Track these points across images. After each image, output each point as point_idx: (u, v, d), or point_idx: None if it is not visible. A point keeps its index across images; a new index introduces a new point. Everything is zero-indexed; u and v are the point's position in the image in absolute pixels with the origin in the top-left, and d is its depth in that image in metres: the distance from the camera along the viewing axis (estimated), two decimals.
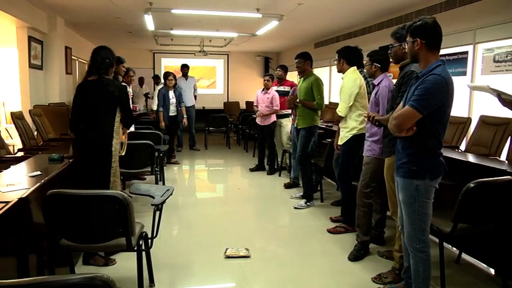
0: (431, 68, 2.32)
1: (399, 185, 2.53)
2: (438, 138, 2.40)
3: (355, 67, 4.07)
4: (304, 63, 5.04)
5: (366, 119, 3.83)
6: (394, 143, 2.73)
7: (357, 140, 3.92)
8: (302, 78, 5.15)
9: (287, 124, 6.46)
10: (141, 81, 11.61)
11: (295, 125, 5.19)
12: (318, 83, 4.94)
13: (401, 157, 2.49)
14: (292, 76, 8.14)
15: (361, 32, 8.17)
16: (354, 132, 3.95)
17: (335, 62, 4.24)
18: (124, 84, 3.32)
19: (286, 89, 6.47)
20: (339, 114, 4.02)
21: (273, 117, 6.65)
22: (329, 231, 4.16)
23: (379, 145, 3.35)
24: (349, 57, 4.05)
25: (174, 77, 7.32)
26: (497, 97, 2.53)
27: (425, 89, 2.27)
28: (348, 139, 3.99)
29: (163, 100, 7.22)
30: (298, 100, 5.06)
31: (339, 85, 4.15)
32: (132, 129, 5.32)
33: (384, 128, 3.09)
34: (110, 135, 3.16)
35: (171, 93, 7.35)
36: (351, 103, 3.92)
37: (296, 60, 5.10)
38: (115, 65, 5.01)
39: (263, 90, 6.71)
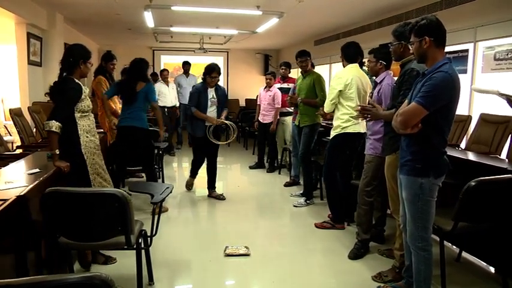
0: (438, 65, 2.30)
1: (403, 183, 2.52)
2: (443, 136, 2.39)
3: (352, 65, 4.04)
4: (307, 60, 5.07)
5: (352, 119, 3.88)
6: (395, 141, 2.72)
7: (341, 138, 3.98)
8: (302, 76, 5.15)
9: (290, 122, 6.43)
10: None
11: (297, 123, 5.19)
12: (320, 80, 5.01)
13: (406, 155, 2.47)
14: (293, 73, 8.10)
15: (361, 30, 8.15)
16: (338, 130, 3.99)
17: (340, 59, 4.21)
18: (77, 83, 3.02)
19: (290, 86, 6.37)
20: (324, 109, 4.15)
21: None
22: (316, 225, 4.24)
23: (381, 143, 3.34)
24: (347, 54, 4.06)
25: (219, 72, 5.14)
26: (507, 100, 2.53)
27: (432, 86, 2.25)
28: (332, 137, 4.07)
29: (198, 100, 5.05)
30: (299, 99, 5.04)
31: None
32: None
33: (384, 126, 3.09)
34: (72, 133, 2.98)
35: (211, 92, 5.14)
36: (334, 101, 3.96)
37: (301, 59, 5.08)
38: (102, 62, 4.98)
39: (265, 88, 6.71)
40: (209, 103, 5.08)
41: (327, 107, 4.07)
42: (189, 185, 5.54)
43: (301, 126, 5.07)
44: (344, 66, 4.10)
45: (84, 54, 3.07)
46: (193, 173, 5.49)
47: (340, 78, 3.96)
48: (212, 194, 5.33)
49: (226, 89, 5.27)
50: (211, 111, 5.10)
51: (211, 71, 5.05)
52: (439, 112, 2.30)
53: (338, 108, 4.00)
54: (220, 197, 5.27)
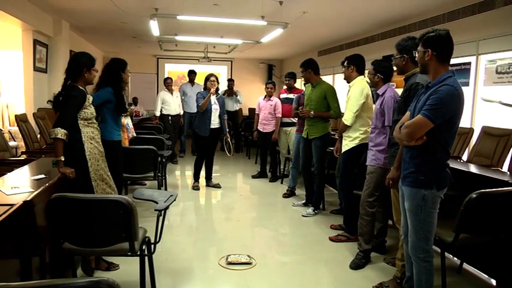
0: (443, 78, 2.33)
1: (405, 194, 2.53)
2: (447, 149, 2.41)
3: (363, 76, 4.06)
4: (306, 72, 4.92)
5: (369, 130, 3.85)
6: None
7: (359, 149, 3.95)
8: (311, 86, 5.00)
9: (294, 133, 6.31)
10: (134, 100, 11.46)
11: (304, 135, 5.00)
12: (333, 91, 4.81)
13: (409, 167, 2.49)
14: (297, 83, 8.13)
15: (365, 41, 8.21)
16: (356, 142, 3.97)
17: (343, 69, 4.13)
18: (81, 88, 3.05)
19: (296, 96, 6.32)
20: (345, 123, 3.99)
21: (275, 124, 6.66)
22: (331, 239, 4.15)
23: (384, 154, 3.36)
24: (359, 65, 4.04)
25: (216, 77, 5.99)
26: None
27: (438, 99, 2.27)
28: (349, 148, 4.02)
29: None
30: (312, 113, 4.80)
31: (345, 93, 4.13)
32: (133, 134, 5.32)
33: (389, 138, 3.11)
34: (76, 140, 3.02)
35: (213, 99, 6.00)
36: (357, 113, 3.91)
37: (301, 70, 5.00)
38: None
39: (265, 97, 6.73)
40: (213, 109, 5.96)
41: (349, 120, 3.94)
42: (196, 186, 6.20)
43: (310, 138, 4.90)
44: (350, 77, 4.07)
45: (88, 62, 3.11)
46: (197, 176, 6.25)
47: (363, 89, 3.93)
48: (210, 183, 6.35)
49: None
50: (214, 119, 6.02)
51: (209, 76, 5.97)
52: (443, 125, 2.32)
53: (357, 120, 3.96)
54: (217, 186, 6.30)
